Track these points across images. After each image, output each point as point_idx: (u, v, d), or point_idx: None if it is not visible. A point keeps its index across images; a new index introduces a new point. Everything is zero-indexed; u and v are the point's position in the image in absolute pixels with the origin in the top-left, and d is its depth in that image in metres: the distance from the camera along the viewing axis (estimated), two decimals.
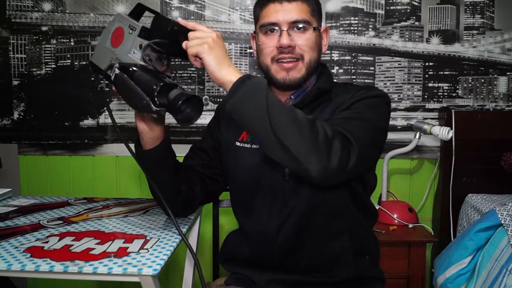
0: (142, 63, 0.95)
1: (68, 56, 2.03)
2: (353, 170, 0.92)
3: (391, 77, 2.02)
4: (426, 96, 2.03)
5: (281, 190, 1.07)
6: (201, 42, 0.91)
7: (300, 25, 1.07)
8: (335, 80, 1.97)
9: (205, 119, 2.03)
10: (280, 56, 1.07)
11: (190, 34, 0.92)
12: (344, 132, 0.93)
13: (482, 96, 2.03)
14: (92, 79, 1.98)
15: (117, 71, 0.93)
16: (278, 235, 1.08)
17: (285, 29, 1.06)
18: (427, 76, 2.02)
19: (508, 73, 2.02)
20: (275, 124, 0.87)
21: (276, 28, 1.07)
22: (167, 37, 0.95)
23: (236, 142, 1.14)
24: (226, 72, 0.90)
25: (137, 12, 1.03)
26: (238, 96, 0.88)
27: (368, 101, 1.03)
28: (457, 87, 2.03)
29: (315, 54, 1.09)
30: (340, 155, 0.89)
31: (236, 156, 1.14)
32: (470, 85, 2.03)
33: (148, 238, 1.02)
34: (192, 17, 2.00)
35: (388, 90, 2.02)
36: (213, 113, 1.30)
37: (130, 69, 0.93)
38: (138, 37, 0.95)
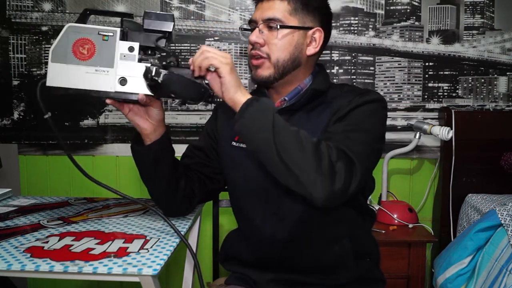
0: (143, 64, 0.94)
1: None
2: (355, 190, 0.92)
3: (391, 77, 2.02)
4: (426, 96, 2.03)
5: (275, 193, 1.07)
6: (222, 60, 0.92)
7: (271, 24, 1.05)
8: (334, 81, 2.00)
9: (205, 119, 2.04)
10: (251, 53, 1.08)
11: (204, 47, 0.94)
12: (348, 151, 0.92)
13: (482, 96, 2.03)
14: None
15: (163, 71, 0.91)
16: (274, 238, 1.08)
17: (258, 26, 1.06)
18: (427, 76, 2.02)
19: (508, 73, 2.02)
20: (280, 147, 0.88)
21: (255, 25, 1.08)
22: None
23: (233, 142, 1.14)
24: (240, 95, 0.93)
25: (85, 17, 0.98)
26: (246, 118, 0.90)
27: (365, 108, 1.01)
28: (457, 87, 2.03)
29: (285, 54, 1.05)
30: (344, 178, 0.89)
31: (232, 157, 1.14)
32: (470, 85, 2.03)
33: (148, 238, 1.02)
34: (192, 17, 2.00)
35: (388, 90, 2.03)
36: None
37: (169, 67, 0.94)
38: (121, 41, 0.94)
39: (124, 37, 0.94)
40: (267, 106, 0.92)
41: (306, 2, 1.07)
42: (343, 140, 0.95)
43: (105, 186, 0.98)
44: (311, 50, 1.09)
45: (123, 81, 0.95)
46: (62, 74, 0.93)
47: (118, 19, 0.99)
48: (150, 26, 0.95)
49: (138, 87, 0.96)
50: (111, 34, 0.93)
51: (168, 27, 0.96)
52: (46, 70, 2.00)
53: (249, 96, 0.93)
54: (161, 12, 0.96)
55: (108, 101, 0.98)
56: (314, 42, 1.09)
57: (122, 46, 0.94)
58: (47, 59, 2.01)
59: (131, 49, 0.94)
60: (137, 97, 0.95)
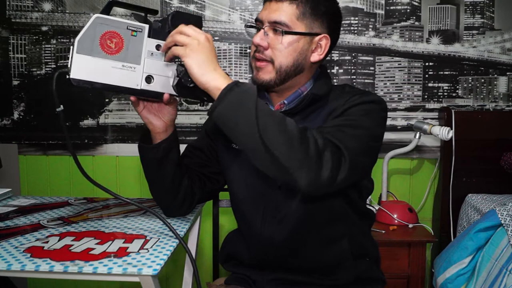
0: (170, 63, 0.94)
1: (68, 56, 2.02)
2: (344, 181, 0.89)
3: (391, 77, 2.02)
4: (426, 96, 2.03)
5: (274, 195, 1.06)
6: (184, 43, 0.88)
7: (277, 28, 1.00)
8: (334, 81, 2.00)
9: (205, 119, 2.03)
10: (254, 55, 1.04)
11: (173, 32, 0.90)
12: (336, 142, 0.89)
13: (482, 96, 2.03)
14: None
15: None
16: (272, 240, 1.08)
17: (264, 28, 1.02)
18: (427, 76, 2.02)
19: (508, 73, 2.02)
20: (265, 135, 0.83)
21: (261, 25, 1.04)
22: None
23: (233, 144, 1.12)
24: (211, 77, 0.87)
25: (109, 8, 0.92)
26: (226, 104, 0.85)
27: (362, 107, 0.98)
28: (457, 87, 2.03)
29: (288, 60, 1.02)
30: (331, 167, 0.86)
31: (232, 159, 1.13)
32: (470, 85, 2.03)
33: (148, 238, 1.02)
34: None
35: (388, 90, 2.03)
36: None
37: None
38: (149, 38, 0.92)
39: (150, 34, 0.93)
40: (249, 91, 0.86)
41: (314, 7, 1.02)
42: (334, 132, 0.92)
43: (107, 190, 0.96)
44: (315, 57, 1.05)
45: (148, 79, 0.94)
46: (88, 67, 0.88)
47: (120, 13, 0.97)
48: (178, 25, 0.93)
49: (163, 86, 0.96)
50: (140, 30, 0.91)
51: (198, 28, 0.94)
52: (46, 70, 2.02)
53: (226, 80, 0.87)
54: (191, 14, 0.95)
55: (132, 98, 0.97)
56: (319, 49, 1.05)
57: (150, 44, 0.93)
58: (47, 59, 2.03)
59: (158, 47, 0.93)
60: (164, 97, 0.95)
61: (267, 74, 1.03)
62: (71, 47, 0.89)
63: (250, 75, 0.91)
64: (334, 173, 0.86)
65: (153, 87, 0.94)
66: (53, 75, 0.87)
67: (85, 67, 0.88)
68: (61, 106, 0.88)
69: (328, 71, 2.00)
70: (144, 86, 0.93)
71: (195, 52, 0.87)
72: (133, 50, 0.91)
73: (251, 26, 1.08)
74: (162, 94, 0.96)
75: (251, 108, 0.84)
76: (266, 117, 0.85)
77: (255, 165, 0.90)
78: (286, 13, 1.01)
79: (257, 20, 1.06)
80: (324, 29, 1.05)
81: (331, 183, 0.87)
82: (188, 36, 0.89)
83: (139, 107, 1.01)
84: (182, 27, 0.90)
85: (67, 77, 0.88)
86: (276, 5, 1.02)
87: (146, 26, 0.92)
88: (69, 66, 0.88)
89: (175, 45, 0.90)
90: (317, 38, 1.04)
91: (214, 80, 0.87)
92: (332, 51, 1.99)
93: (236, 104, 0.85)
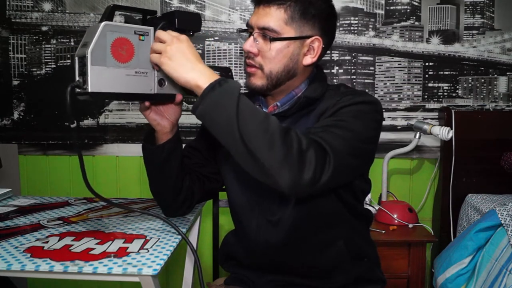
0: None
1: (68, 56, 2.03)
2: (328, 183, 0.86)
3: (391, 77, 2.02)
4: (426, 96, 2.03)
5: (269, 199, 1.05)
6: (161, 50, 0.89)
7: (266, 34, 0.99)
8: (334, 81, 2.00)
9: None
10: (246, 61, 1.04)
11: (155, 41, 0.92)
12: (321, 142, 0.86)
13: (482, 96, 2.03)
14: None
15: None
16: (268, 244, 1.07)
17: (253, 34, 1.01)
18: (427, 76, 2.02)
19: (508, 73, 2.02)
20: (245, 134, 0.82)
21: (251, 31, 1.03)
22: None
23: None
24: (190, 77, 0.87)
25: (112, 14, 0.91)
26: (207, 103, 0.84)
27: (353, 108, 0.96)
28: (457, 87, 2.03)
29: (278, 66, 1.01)
30: (314, 168, 0.83)
31: (228, 161, 1.12)
32: (470, 85, 2.03)
33: (148, 238, 1.02)
34: None
35: (388, 90, 2.03)
36: None
37: None
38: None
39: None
40: (231, 90, 0.84)
41: (304, 10, 1.00)
42: (321, 133, 0.89)
43: (103, 199, 0.95)
44: (308, 60, 1.03)
45: (160, 82, 0.94)
46: (104, 78, 0.86)
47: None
48: (182, 25, 0.93)
49: (174, 87, 0.96)
50: (147, 33, 0.91)
51: (198, 27, 0.96)
52: (46, 70, 2.02)
53: (207, 78, 0.86)
54: (192, 11, 0.95)
55: (147, 103, 0.97)
56: (312, 51, 1.03)
57: None
58: (47, 59, 2.03)
59: None
60: (176, 98, 0.95)
61: (259, 80, 1.03)
62: (76, 58, 0.87)
63: (227, 80, 0.90)
64: (317, 174, 0.84)
65: (166, 89, 0.95)
66: (66, 90, 0.85)
67: (102, 78, 0.86)
68: (75, 122, 0.87)
69: (328, 71, 2.02)
70: (157, 90, 0.94)
71: (170, 58, 0.88)
72: (142, 55, 0.91)
73: (243, 31, 1.09)
74: (174, 95, 0.96)
75: (232, 107, 0.83)
76: (247, 117, 0.83)
77: (241, 166, 0.89)
78: (274, 18, 0.99)
79: (247, 25, 1.05)
80: (316, 31, 1.02)
81: (314, 183, 0.84)
82: (162, 43, 0.90)
83: (146, 111, 1.01)
84: (159, 33, 0.91)
85: (79, 90, 0.86)
86: (264, 10, 1.00)
87: (151, 29, 0.92)
88: (77, 79, 0.87)
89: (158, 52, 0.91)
90: (308, 40, 1.02)
91: (193, 79, 0.87)
92: (332, 51, 2.01)
93: (217, 104, 0.84)
